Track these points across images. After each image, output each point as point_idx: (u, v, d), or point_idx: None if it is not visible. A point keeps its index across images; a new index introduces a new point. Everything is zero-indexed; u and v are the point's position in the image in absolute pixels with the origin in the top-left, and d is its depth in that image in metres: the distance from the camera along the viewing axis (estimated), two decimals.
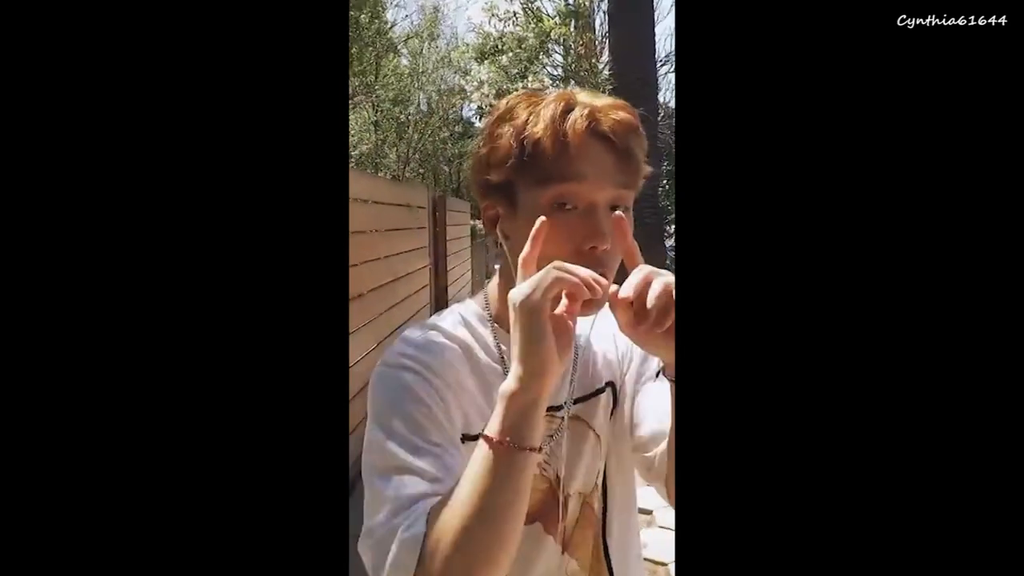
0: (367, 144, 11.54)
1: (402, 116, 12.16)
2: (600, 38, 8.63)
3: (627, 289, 0.58)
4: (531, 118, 0.66)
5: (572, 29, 7.90)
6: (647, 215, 7.63)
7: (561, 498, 0.75)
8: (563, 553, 0.76)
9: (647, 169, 0.71)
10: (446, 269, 6.30)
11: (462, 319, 0.76)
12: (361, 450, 0.67)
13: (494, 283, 0.77)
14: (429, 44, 13.54)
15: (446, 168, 13.80)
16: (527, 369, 0.56)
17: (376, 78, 11.27)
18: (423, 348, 0.71)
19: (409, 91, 11.70)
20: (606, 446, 0.79)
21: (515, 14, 8.00)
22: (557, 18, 7.88)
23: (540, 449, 0.57)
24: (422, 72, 12.62)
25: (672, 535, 0.69)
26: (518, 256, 0.64)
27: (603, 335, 0.82)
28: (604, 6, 8.58)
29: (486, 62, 8.06)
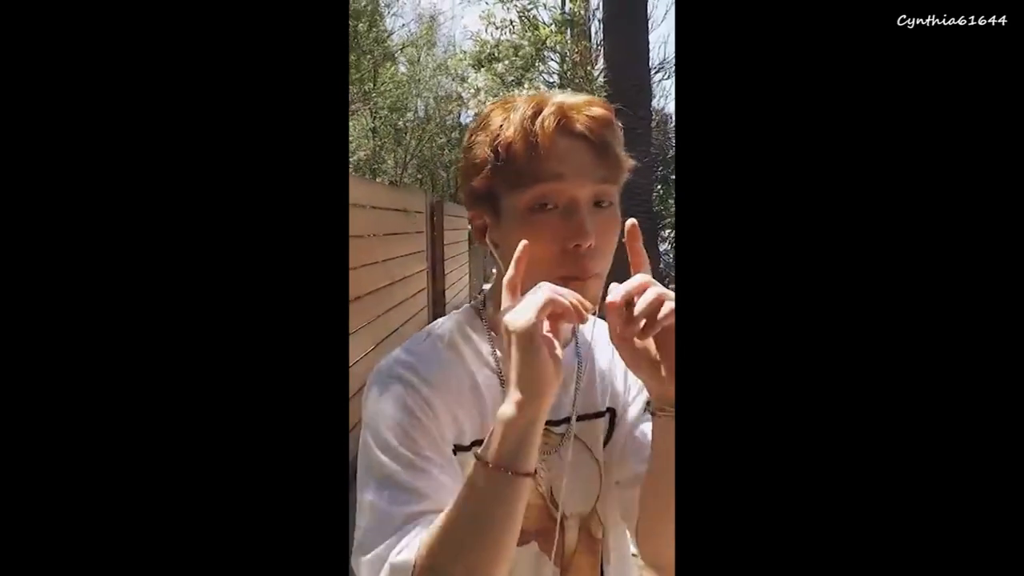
0: (365, 150, 11.63)
1: (400, 122, 12.26)
2: (595, 46, 8.73)
3: (617, 292, 0.57)
4: (503, 124, 0.67)
5: (568, 37, 8.00)
6: (641, 219, 7.69)
7: (557, 516, 0.73)
8: None
9: (629, 162, 0.70)
10: (443, 273, 6.38)
11: (459, 327, 0.75)
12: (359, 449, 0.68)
13: (492, 290, 0.75)
14: (427, 51, 13.65)
15: (443, 174, 13.87)
16: (525, 393, 0.55)
17: (374, 85, 11.36)
18: (419, 358, 0.71)
19: (406, 98, 11.79)
20: (602, 471, 0.76)
21: (511, 22, 8.11)
22: (553, 26, 7.99)
23: (534, 474, 0.57)
24: (418, 80, 12.72)
25: None
26: (507, 262, 0.63)
27: (612, 361, 0.79)
28: (599, 14, 8.69)
29: (483, 69, 8.17)
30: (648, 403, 0.70)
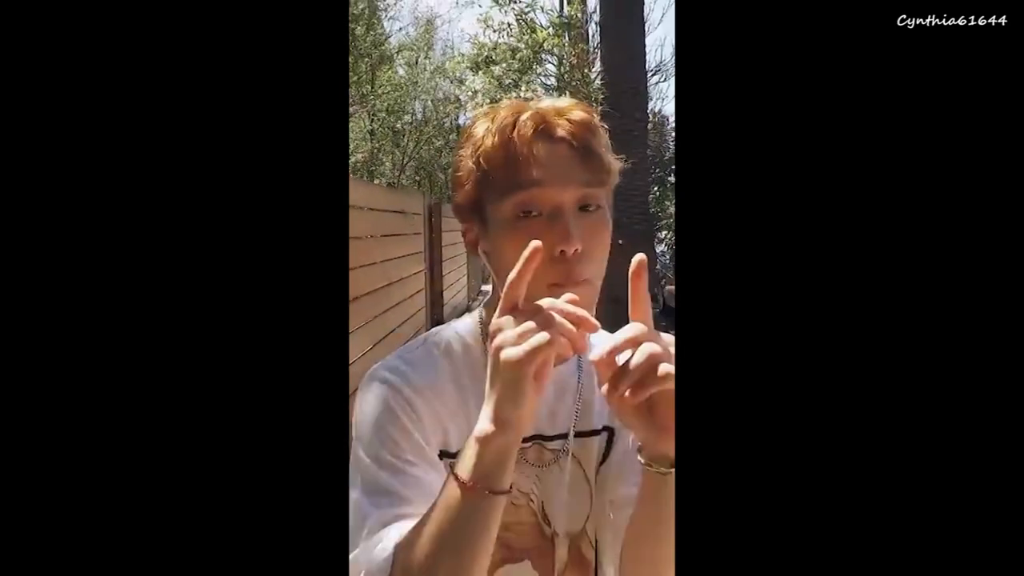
0: (362, 152, 11.63)
1: (398, 125, 12.27)
2: (592, 49, 8.76)
3: (603, 348, 0.54)
4: (484, 134, 0.66)
5: (565, 40, 8.03)
6: (637, 221, 7.73)
7: (549, 533, 0.72)
8: None
9: (617, 164, 0.69)
10: (441, 274, 6.39)
11: (458, 335, 0.75)
12: None
13: (492, 298, 0.75)
14: (425, 54, 13.67)
15: (441, 175, 13.88)
16: (503, 414, 0.54)
17: (372, 88, 11.37)
18: (409, 363, 0.71)
19: (404, 101, 11.81)
20: (593, 491, 0.75)
21: (509, 25, 8.13)
22: (551, 29, 8.01)
23: (510, 490, 0.57)
24: (416, 83, 12.73)
25: None
26: (500, 273, 0.64)
27: None
28: (596, 17, 8.72)
29: (480, 72, 8.19)
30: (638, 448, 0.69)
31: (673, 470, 0.57)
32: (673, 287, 8.59)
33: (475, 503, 0.55)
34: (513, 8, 8.00)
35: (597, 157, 0.66)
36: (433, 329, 0.78)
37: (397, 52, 13.10)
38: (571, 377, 0.76)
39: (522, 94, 7.37)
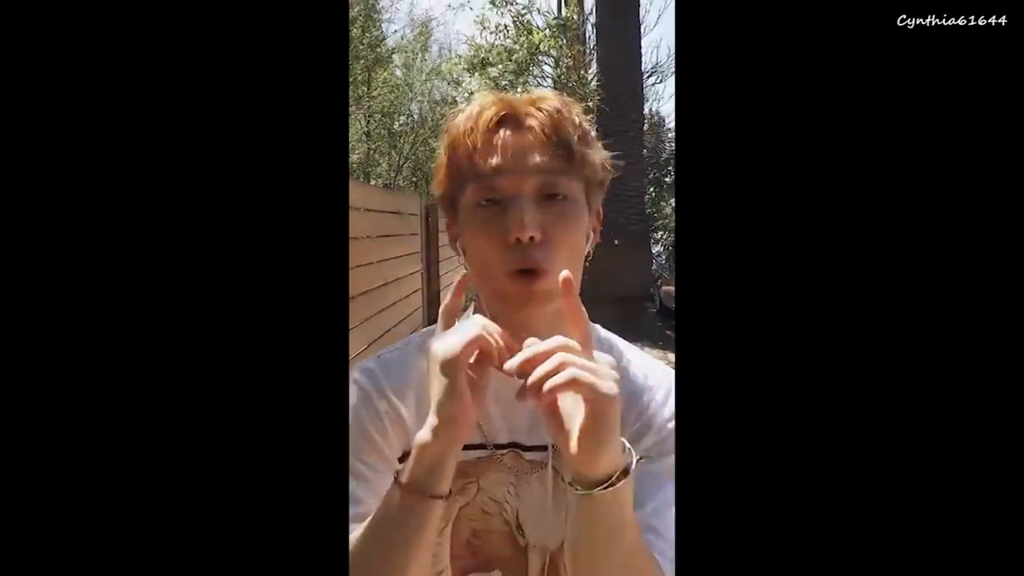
0: (358, 153, 11.64)
1: (395, 126, 12.28)
2: (589, 50, 8.78)
3: (515, 360, 0.52)
4: (456, 124, 0.67)
5: (562, 41, 8.05)
6: (633, 222, 7.76)
7: (523, 544, 0.71)
8: None
9: (596, 156, 0.68)
10: (438, 275, 6.39)
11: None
12: None
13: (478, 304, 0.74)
14: (421, 56, 13.69)
15: None
16: (440, 420, 0.54)
17: (368, 89, 11.38)
18: (383, 365, 0.71)
19: (401, 102, 11.82)
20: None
21: (506, 27, 8.15)
22: (547, 31, 8.03)
23: (449, 495, 0.57)
24: (411, 84, 12.75)
25: None
26: (472, 265, 0.65)
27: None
28: (593, 19, 8.74)
29: (477, 73, 8.20)
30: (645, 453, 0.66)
31: (593, 491, 0.53)
32: (669, 288, 8.63)
33: (411, 505, 0.56)
34: (510, 10, 8.02)
35: (567, 146, 0.65)
36: (425, 328, 0.78)
37: (390, 55, 13.11)
38: None
39: (517, 94, 7.35)
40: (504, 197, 0.64)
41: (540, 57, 8.20)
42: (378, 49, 11.68)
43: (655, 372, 0.73)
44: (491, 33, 8.13)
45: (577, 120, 0.67)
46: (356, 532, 0.60)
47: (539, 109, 0.65)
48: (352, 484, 0.65)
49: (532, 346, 0.52)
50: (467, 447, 0.65)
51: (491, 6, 8.03)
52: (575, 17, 8.24)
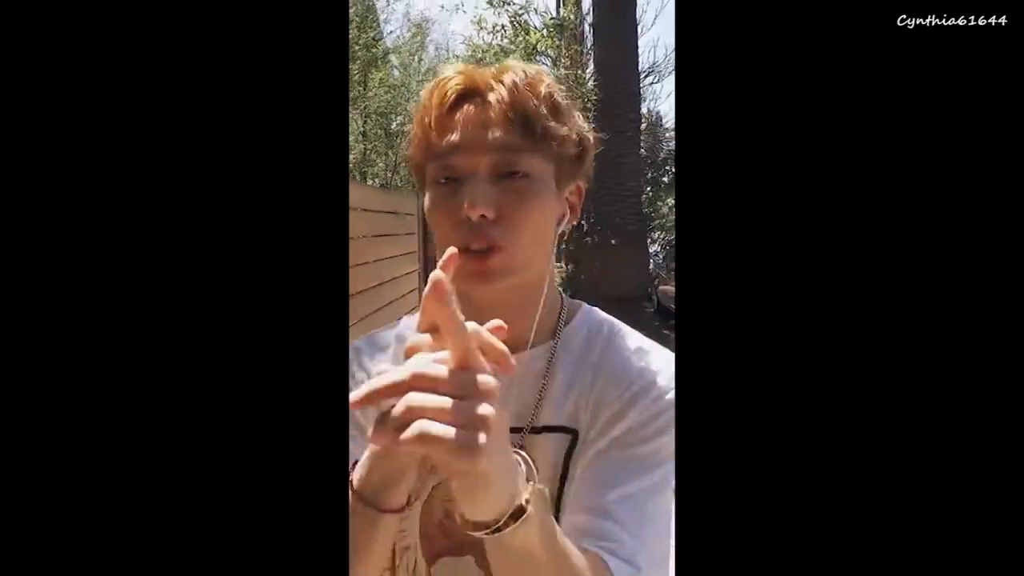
0: (355, 154, 11.63)
1: (392, 126, 12.27)
2: (586, 50, 8.79)
3: (362, 388, 0.42)
4: (423, 100, 0.65)
5: (559, 42, 8.05)
6: (631, 221, 7.77)
7: None
8: None
9: (556, 128, 0.63)
10: None
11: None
12: None
13: None
14: (418, 56, 13.68)
15: None
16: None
17: (364, 90, 11.37)
18: (367, 341, 0.74)
19: (397, 102, 11.82)
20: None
21: (503, 27, 8.15)
22: (544, 31, 8.03)
23: (401, 509, 0.55)
24: (407, 85, 12.75)
25: None
26: (438, 242, 0.63)
27: (589, 374, 0.69)
28: (590, 19, 8.75)
29: None
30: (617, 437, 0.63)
31: (477, 534, 0.47)
32: (667, 287, 8.64)
33: (360, 513, 0.53)
34: (507, 10, 8.02)
35: (527, 122, 0.62)
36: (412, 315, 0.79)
37: (384, 55, 13.10)
38: (539, 367, 0.69)
39: None
40: (461, 175, 0.62)
41: (537, 57, 8.20)
42: (374, 49, 11.66)
43: (649, 356, 0.70)
44: (488, 33, 8.14)
45: (545, 91, 0.64)
46: None
47: (500, 82, 0.62)
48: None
49: (384, 374, 0.43)
50: None
51: (488, 6, 8.03)
52: (572, 17, 8.25)
